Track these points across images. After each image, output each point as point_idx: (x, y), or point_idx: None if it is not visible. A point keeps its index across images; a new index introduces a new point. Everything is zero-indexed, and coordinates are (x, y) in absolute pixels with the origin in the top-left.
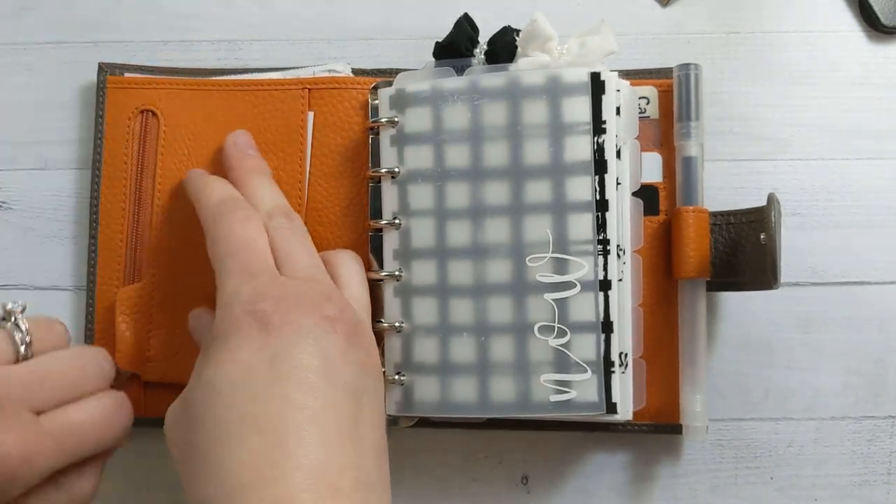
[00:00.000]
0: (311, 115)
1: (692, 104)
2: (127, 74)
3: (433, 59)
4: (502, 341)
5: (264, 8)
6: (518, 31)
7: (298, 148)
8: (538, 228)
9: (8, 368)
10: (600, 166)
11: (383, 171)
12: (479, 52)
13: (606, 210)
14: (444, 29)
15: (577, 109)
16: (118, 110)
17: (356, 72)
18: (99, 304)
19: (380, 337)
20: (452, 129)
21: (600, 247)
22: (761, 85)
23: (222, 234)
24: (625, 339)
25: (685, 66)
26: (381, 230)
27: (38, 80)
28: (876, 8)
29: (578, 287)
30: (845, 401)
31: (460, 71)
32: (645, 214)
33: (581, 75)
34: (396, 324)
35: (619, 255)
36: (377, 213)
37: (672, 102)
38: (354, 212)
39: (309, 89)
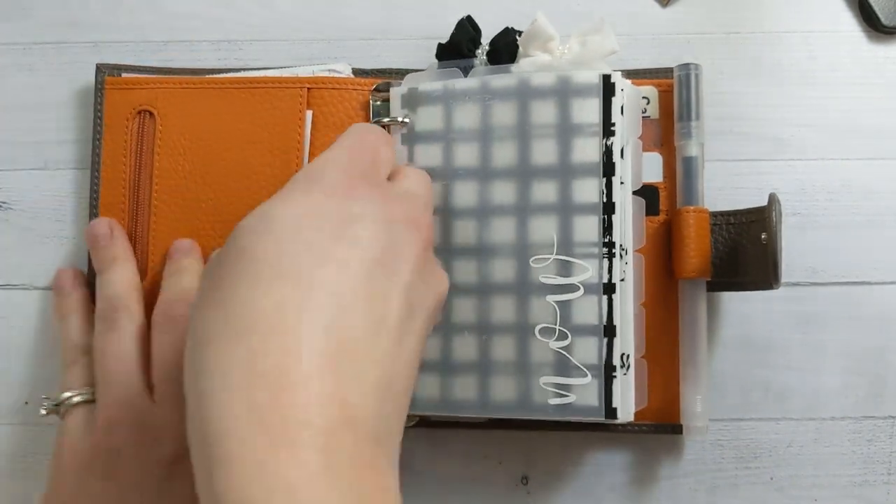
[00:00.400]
0: (309, 113)
1: (692, 104)
2: (125, 75)
3: (435, 60)
4: (503, 342)
5: (265, 8)
6: (520, 33)
7: (295, 147)
8: (543, 229)
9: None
10: (608, 169)
11: None
12: (481, 52)
13: (613, 213)
14: (443, 29)
15: (587, 111)
16: (116, 111)
17: (356, 72)
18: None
19: None
20: (462, 129)
21: (605, 250)
22: (761, 85)
23: (359, 133)
24: (627, 341)
25: (685, 66)
26: None
27: (38, 80)
28: (876, 8)
29: (581, 290)
30: (845, 401)
31: (465, 71)
32: (646, 214)
33: (591, 77)
34: None
35: (621, 256)
36: None
37: (672, 102)
38: None
39: (308, 88)
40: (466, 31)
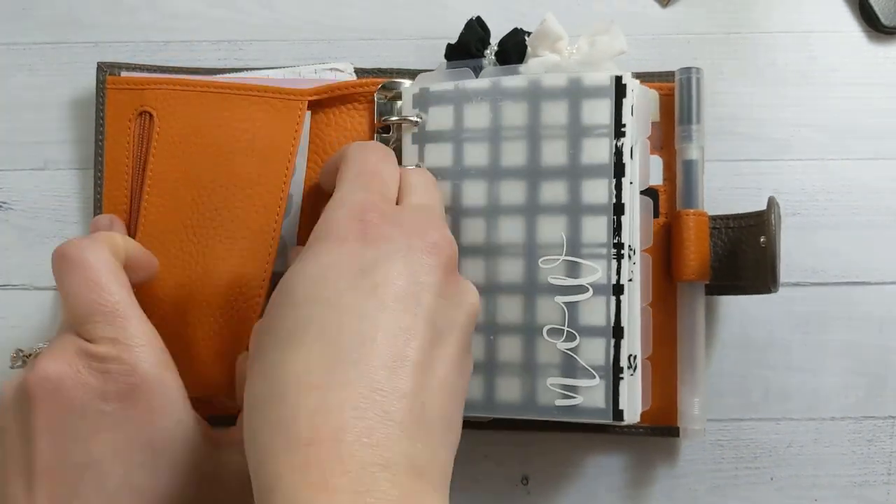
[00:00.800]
0: (308, 113)
1: (693, 107)
2: (124, 73)
3: (440, 60)
4: (511, 342)
5: (264, 8)
6: (528, 33)
7: (285, 157)
8: (552, 230)
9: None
10: (618, 169)
11: None
12: (490, 52)
13: (622, 214)
14: (443, 29)
15: (598, 112)
16: (118, 111)
17: (357, 71)
18: None
19: None
20: (473, 129)
21: (614, 250)
22: (761, 85)
23: (359, 158)
24: (634, 342)
25: (687, 70)
26: None
27: (38, 80)
28: (876, 8)
29: (590, 291)
30: (845, 401)
31: (475, 71)
32: None
33: (603, 79)
34: None
35: (629, 256)
36: None
37: (673, 105)
38: None
39: (309, 101)
40: (475, 32)
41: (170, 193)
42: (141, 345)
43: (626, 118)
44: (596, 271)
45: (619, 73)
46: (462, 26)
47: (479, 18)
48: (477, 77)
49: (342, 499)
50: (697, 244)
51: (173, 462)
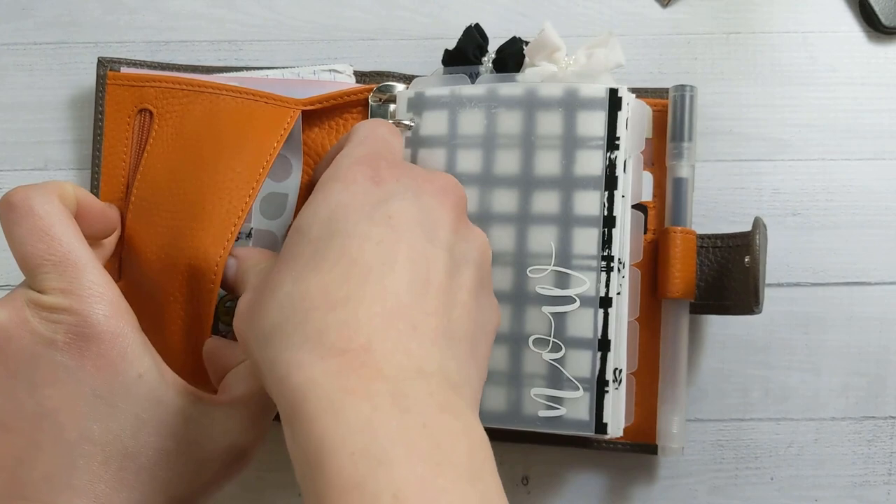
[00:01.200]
0: (300, 113)
1: (686, 125)
2: (124, 69)
3: (438, 62)
4: (496, 351)
5: (265, 8)
6: (527, 42)
7: (263, 158)
8: (542, 240)
9: None
10: (610, 182)
11: None
12: (487, 59)
13: (613, 227)
14: (443, 30)
15: (592, 124)
16: (117, 107)
17: (356, 74)
18: None
19: None
20: (467, 135)
21: (604, 263)
22: (761, 85)
23: (368, 126)
24: (620, 356)
25: (681, 87)
26: None
27: (38, 80)
28: (876, 8)
29: (578, 303)
30: (845, 401)
31: (472, 77)
32: None
33: (599, 91)
34: None
35: (619, 269)
36: None
37: (665, 122)
38: None
39: (302, 110)
40: (473, 39)
41: (158, 184)
42: (94, 295)
43: (621, 131)
44: (584, 283)
45: (615, 86)
46: (462, 27)
47: (477, 25)
48: (473, 84)
49: (382, 402)
50: (684, 262)
51: (135, 418)
